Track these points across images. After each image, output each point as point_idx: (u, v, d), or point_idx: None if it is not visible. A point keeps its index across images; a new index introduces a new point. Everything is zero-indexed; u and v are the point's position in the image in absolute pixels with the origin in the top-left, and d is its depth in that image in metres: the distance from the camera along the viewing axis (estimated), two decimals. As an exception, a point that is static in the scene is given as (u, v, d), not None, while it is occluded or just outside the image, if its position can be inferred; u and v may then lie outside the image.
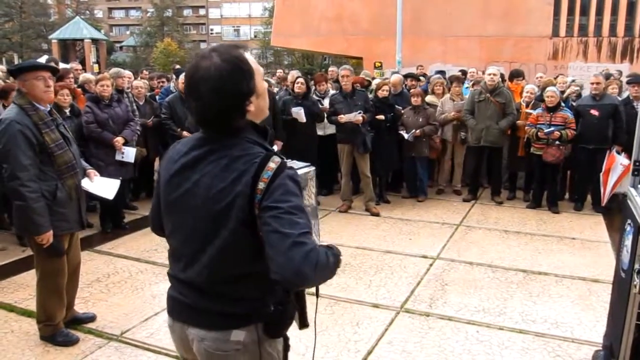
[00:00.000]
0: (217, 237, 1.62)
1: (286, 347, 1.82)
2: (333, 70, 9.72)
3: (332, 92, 7.70)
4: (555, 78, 9.29)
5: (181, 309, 1.75)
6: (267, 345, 1.73)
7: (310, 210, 1.88)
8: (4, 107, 5.44)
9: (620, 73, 11.34)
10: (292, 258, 1.46)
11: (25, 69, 3.47)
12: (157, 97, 7.91)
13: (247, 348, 1.69)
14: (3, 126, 3.31)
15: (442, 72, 10.87)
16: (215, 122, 1.62)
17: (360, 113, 6.55)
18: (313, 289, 1.84)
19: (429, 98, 8.05)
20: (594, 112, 6.82)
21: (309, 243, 1.49)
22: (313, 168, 1.96)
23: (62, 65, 7.90)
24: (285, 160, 1.64)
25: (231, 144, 1.63)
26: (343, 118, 6.56)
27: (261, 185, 1.54)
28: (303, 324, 1.88)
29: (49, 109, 3.51)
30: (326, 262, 1.55)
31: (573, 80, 9.31)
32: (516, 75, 8.32)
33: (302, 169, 1.92)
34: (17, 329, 3.87)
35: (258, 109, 1.67)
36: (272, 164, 1.57)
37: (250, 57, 1.65)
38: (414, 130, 7.16)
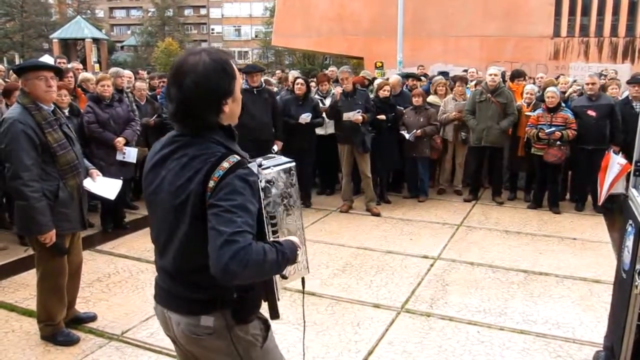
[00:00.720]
0: (178, 229, 1.74)
1: (267, 328, 1.92)
2: (333, 70, 9.72)
3: (333, 91, 7.70)
4: (556, 78, 9.29)
5: (162, 293, 1.89)
6: (238, 330, 1.82)
7: (291, 203, 1.94)
8: (7, 106, 5.46)
9: (616, 72, 11.33)
10: (221, 256, 1.55)
11: (28, 68, 3.48)
12: (158, 96, 7.90)
13: (218, 333, 1.79)
14: (6, 125, 3.32)
15: (445, 73, 10.86)
16: (192, 115, 1.72)
17: (359, 112, 6.53)
18: (298, 283, 1.98)
19: (431, 98, 8.04)
20: (591, 112, 6.79)
21: (240, 241, 1.56)
22: (293, 163, 1.99)
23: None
24: (244, 160, 1.71)
25: (193, 143, 1.73)
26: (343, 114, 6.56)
27: (211, 184, 1.64)
28: (274, 315, 1.96)
29: (52, 108, 3.51)
30: (261, 260, 1.60)
31: (575, 81, 9.31)
32: (517, 75, 8.32)
33: (283, 164, 1.96)
34: (17, 328, 3.87)
35: (231, 112, 1.78)
36: (226, 164, 1.66)
37: (234, 64, 1.78)
38: (415, 130, 7.16)
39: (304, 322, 2.00)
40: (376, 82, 8.25)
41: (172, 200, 1.72)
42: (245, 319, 1.83)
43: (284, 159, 2.00)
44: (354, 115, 6.51)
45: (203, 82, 1.67)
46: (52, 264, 3.56)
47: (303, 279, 2.03)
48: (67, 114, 5.78)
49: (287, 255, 1.72)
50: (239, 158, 1.69)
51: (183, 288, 1.79)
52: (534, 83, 8.75)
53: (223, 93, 1.72)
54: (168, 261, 1.81)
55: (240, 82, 1.81)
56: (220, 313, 1.78)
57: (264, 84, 6.97)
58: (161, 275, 1.89)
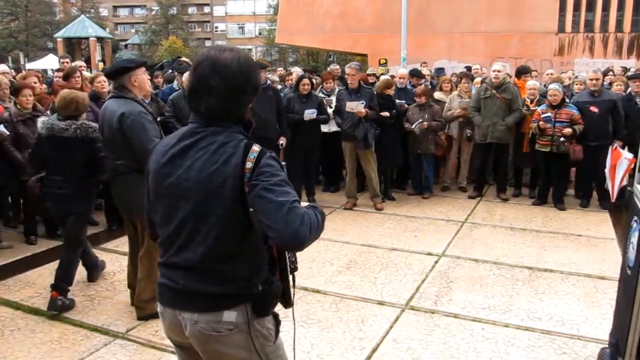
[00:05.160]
0: (211, 215, 1.74)
1: (277, 323, 1.94)
2: (337, 68, 9.70)
3: (337, 89, 7.68)
4: (560, 74, 9.25)
5: (172, 294, 1.84)
6: (257, 323, 1.83)
7: None
8: (15, 104, 5.48)
9: (626, 69, 11.25)
10: (291, 221, 1.63)
11: (140, 65, 3.71)
12: (159, 93, 7.87)
13: (239, 328, 1.80)
14: (132, 118, 3.51)
15: (441, 69, 10.81)
16: (229, 107, 1.77)
17: (363, 103, 6.52)
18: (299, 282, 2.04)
19: (438, 95, 8.01)
20: (594, 108, 6.73)
21: (300, 208, 1.69)
22: (283, 163, 2.06)
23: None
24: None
25: (218, 132, 1.78)
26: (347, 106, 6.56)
27: (248, 165, 1.70)
28: (288, 303, 1.99)
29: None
30: (316, 222, 1.74)
31: (576, 77, 9.24)
32: (523, 71, 8.25)
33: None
34: (23, 326, 3.88)
35: (250, 108, 1.87)
36: (256, 147, 1.75)
37: None
38: (420, 121, 7.10)
39: (294, 320, 2.08)
40: (382, 77, 8.23)
41: (204, 186, 1.72)
42: (266, 312, 1.85)
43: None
44: (357, 106, 6.49)
45: (246, 74, 1.77)
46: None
47: (294, 275, 2.04)
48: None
49: (324, 215, 1.84)
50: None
51: (205, 282, 1.76)
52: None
53: (255, 89, 1.83)
54: (191, 252, 1.77)
55: None
56: (243, 306, 1.79)
57: (267, 81, 6.95)
58: (172, 274, 1.82)
